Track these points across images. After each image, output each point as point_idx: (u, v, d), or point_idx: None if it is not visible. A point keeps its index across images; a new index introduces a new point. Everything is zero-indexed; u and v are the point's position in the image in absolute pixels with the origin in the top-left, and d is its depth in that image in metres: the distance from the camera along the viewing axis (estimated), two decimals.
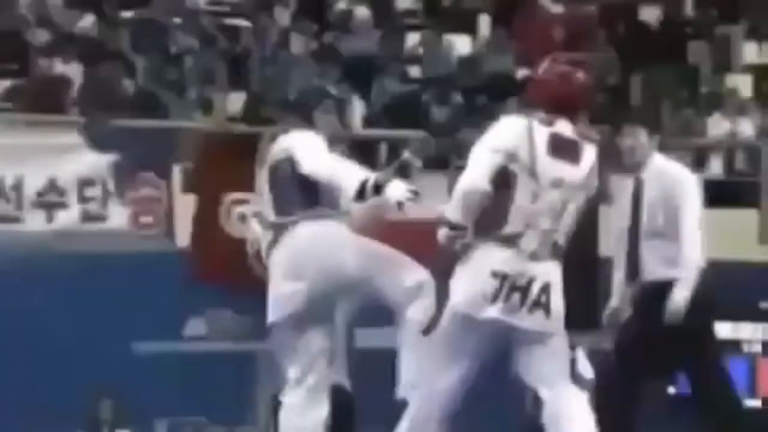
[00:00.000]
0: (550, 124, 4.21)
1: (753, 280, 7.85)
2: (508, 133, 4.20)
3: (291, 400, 4.44)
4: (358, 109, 9.40)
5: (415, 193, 4.18)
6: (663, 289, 5.06)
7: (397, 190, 4.18)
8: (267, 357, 7.60)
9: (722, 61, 11.01)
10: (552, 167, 4.17)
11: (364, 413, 6.86)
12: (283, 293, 4.43)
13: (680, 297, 5.03)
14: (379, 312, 6.35)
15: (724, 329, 7.52)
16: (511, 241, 4.09)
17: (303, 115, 4.64)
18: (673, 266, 5.08)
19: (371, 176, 4.26)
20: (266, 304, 7.72)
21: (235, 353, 8.13)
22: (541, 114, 4.24)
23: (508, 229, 4.10)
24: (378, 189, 4.20)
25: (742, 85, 10.59)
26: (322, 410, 4.43)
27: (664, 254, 5.10)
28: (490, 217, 4.11)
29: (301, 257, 4.39)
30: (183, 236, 8.40)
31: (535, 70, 4.35)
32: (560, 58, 4.35)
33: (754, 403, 7.58)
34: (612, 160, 4.90)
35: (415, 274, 4.39)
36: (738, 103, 10.23)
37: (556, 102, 4.24)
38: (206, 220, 8.35)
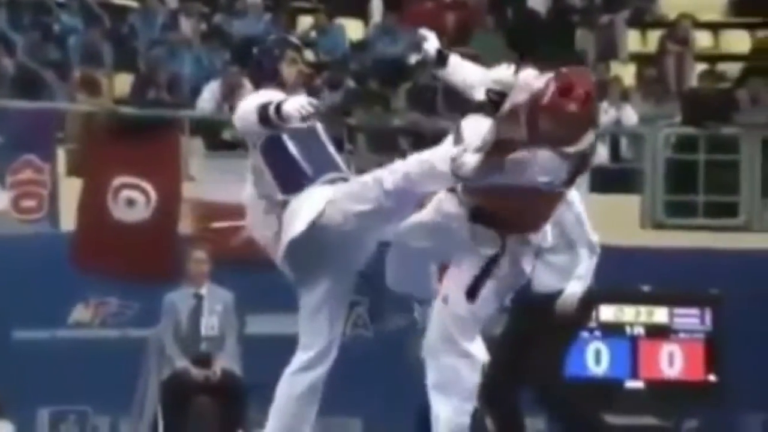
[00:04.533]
0: None
1: (635, 264, 8.01)
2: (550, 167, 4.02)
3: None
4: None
5: (316, 106, 4.06)
6: (552, 296, 5.29)
7: (292, 103, 4.04)
8: (155, 345, 7.51)
9: (607, 49, 11.21)
10: None
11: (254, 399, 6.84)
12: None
13: (576, 289, 5.27)
14: (271, 298, 6.29)
15: (607, 312, 7.69)
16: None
17: (270, 70, 4.37)
18: (565, 278, 5.30)
19: (275, 100, 4.10)
20: (152, 290, 7.68)
21: (121, 341, 7.98)
22: None
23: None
24: (279, 109, 4.06)
25: (626, 73, 10.81)
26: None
27: (556, 267, 5.25)
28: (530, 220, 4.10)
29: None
30: (68, 221, 8.19)
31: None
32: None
33: (636, 384, 7.75)
34: None
35: (371, 193, 4.15)
36: (622, 90, 10.43)
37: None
38: (92, 204, 8.16)
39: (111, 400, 7.79)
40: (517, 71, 4.11)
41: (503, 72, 4.09)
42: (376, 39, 10.74)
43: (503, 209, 4.03)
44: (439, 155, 4.03)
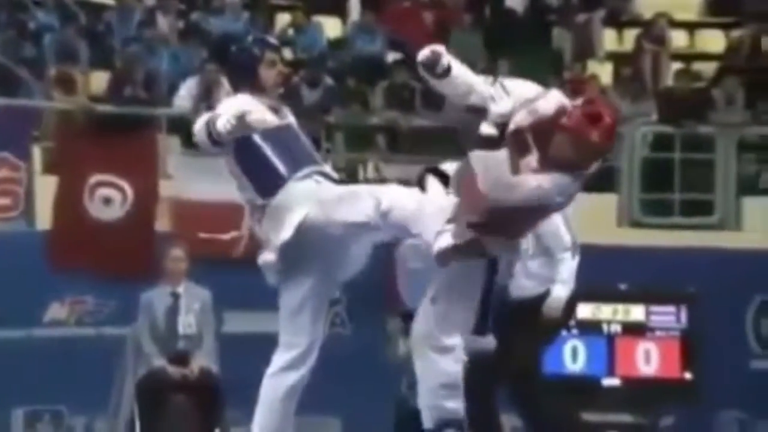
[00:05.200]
0: None
1: (612, 262, 8.06)
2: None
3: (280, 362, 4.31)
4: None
5: (239, 118, 4.06)
6: (534, 300, 5.36)
7: (221, 120, 4.09)
8: (132, 344, 7.49)
9: (583, 48, 11.27)
10: None
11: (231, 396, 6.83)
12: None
13: (562, 293, 5.36)
14: (249, 296, 6.27)
15: (584, 310, 7.73)
16: None
17: (248, 72, 4.33)
18: (541, 282, 5.35)
19: (214, 115, 4.14)
20: (128, 288, 7.66)
21: (97, 339, 7.95)
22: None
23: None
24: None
25: (602, 72, 10.87)
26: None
27: (532, 272, 5.29)
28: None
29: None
30: (44, 219, 8.15)
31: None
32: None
33: (613, 381, 7.80)
34: None
35: (365, 208, 4.12)
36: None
37: None
38: (68, 202, 8.13)
39: (87, 399, 7.76)
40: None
41: (506, 104, 3.98)
42: (354, 37, 10.75)
43: (499, 219, 4.00)
44: (437, 203, 4.06)
